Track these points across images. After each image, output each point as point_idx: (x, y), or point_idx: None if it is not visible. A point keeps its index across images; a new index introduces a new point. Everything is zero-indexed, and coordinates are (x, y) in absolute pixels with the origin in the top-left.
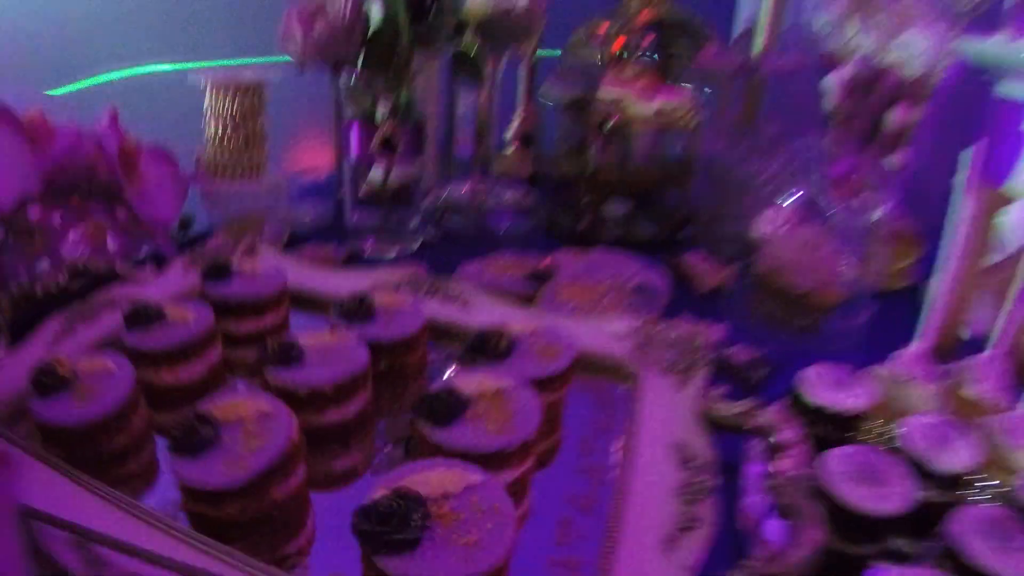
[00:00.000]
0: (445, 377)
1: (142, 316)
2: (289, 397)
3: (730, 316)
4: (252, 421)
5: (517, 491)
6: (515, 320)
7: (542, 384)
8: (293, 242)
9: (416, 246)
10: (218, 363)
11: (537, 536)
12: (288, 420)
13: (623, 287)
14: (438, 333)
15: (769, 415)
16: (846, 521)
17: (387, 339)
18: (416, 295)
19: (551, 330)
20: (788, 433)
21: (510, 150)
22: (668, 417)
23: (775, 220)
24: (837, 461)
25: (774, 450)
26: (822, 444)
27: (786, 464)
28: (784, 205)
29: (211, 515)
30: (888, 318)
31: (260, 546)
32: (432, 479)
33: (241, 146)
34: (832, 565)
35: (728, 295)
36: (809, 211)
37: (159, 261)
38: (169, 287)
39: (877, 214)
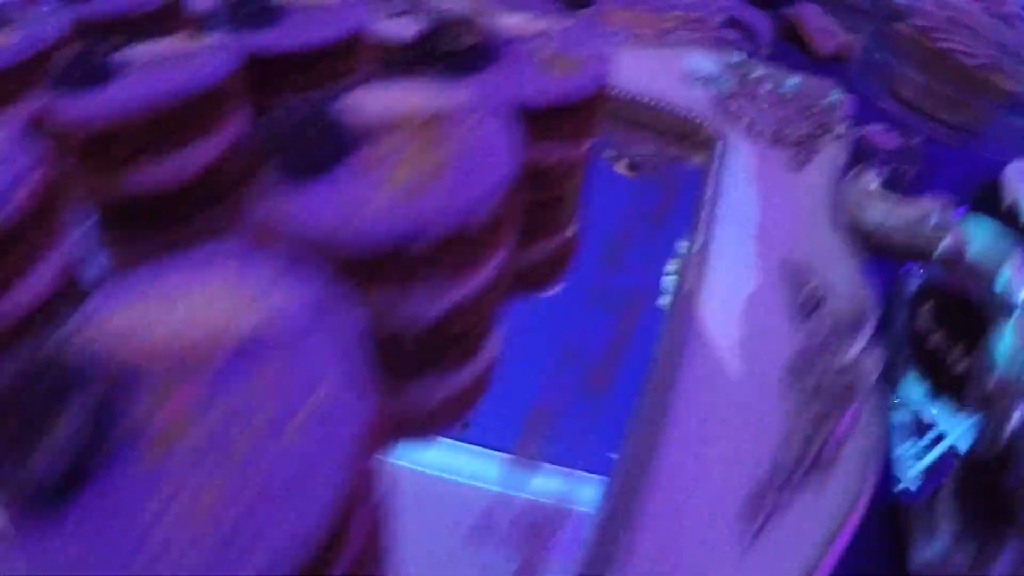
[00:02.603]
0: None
1: None
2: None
3: (858, 95)
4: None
5: (469, 324)
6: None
7: (538, 120)
8: None
9: None
10: None
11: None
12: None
13: (705, 21)
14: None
15: (963, 230)
16: None
17: (278, 50)
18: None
19: (571, 33)
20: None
21: None
22: (775, 213)
23: None
24: None
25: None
26: None
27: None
28: None
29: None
30: None
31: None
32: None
33: None
34: None
35: (856, 67)
36: None
37: None
38: None
39: None
